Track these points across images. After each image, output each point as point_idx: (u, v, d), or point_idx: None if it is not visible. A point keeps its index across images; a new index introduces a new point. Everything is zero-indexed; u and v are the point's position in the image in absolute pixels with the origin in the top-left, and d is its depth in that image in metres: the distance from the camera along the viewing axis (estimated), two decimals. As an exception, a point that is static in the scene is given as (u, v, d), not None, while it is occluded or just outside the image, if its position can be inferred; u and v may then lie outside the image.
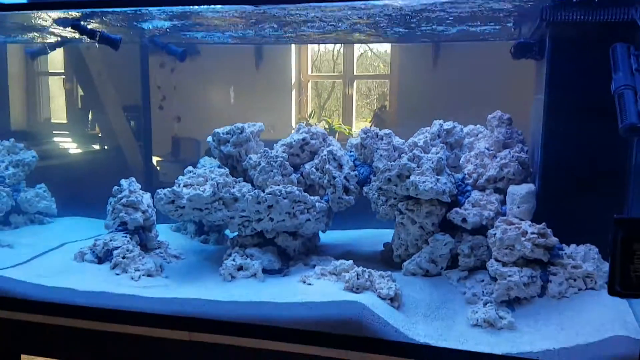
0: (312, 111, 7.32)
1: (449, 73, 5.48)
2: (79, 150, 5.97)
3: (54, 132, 6.75)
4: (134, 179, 2.21)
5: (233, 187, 2.03)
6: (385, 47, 7.12)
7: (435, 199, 1.85)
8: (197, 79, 5.99)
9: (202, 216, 2.02)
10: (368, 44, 7.20)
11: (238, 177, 2.12)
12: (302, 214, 1.93)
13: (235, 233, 2.09)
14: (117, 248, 2.02)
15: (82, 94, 6.43)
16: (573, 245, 1.72)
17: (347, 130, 5.82)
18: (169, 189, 1.99)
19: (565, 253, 1.70)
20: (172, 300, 1.76)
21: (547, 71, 1.76)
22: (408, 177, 1.85)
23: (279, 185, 1.97)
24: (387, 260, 2.09)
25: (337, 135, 5.74)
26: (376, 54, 7.68)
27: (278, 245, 2.03)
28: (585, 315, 1.58)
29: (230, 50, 5.61)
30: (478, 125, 2.13)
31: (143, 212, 2.13)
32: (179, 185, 2.03)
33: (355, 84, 7.06)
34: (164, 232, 2.42)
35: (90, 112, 6.38)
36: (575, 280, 1.66)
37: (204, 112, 6.10)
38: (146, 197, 2.18)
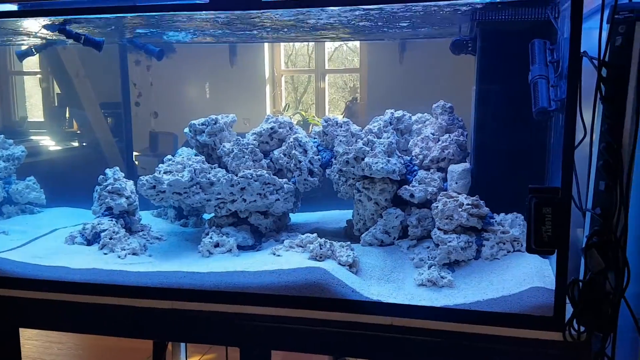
0: (286, 104, 7.53)
1: (414, 67, 5.76)
2: (58, 148, 6.09)
3: (31, 130, 6.85)
4: (117, 168, 2.42)
5: (209, 173, 2.27)
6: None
7: (387, 177, 2.11)
8: (173, 76, 6.15)
9: (181, 200, 2.25)
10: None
11: (213, 164, 2.35)
12: (271, 195, 2.18)
13: (212, 214, 2.33)
14: (104, 230, 2.23)
15: (59, 92, 6.54)
16: (502, 214, 2.01)
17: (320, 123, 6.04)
18: (150, 175, 2.21)
19: (496, 221, 1.98)
20: (156, 273, 1.98)
21: (477, 65, 2.03)
22: (363, 159, 2.11)
23: (250, 169, 2.21)
24: (349, 234, 2.34)
25: (310, 127, 5.97)
26: (351, 48, 7.92)
27: (251, 223, 2.27)
28: (511, 272, 1.85)
29: (204, 48, 5.78)
30: (425, 114, 2.40)
31: (127, 198, 2.36)
32: (159, 172, 2.26)
33: (327, 78, 7.30)
34: (146, 218, 2.64)
35: (67, 110, 6.50)
36: (504, 243, 1.94)
37: (181, 107, 6.28)
38: (129, 184, 2.40)
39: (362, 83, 6.98)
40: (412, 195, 2.10)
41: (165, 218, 2.73)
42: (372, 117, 2.37)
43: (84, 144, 5.62)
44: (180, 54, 5.17)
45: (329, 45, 7.28)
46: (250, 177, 2.15)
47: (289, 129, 2.38)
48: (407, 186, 2.12)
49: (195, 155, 2.39)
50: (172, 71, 5.96)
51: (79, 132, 6.02)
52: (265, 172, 2.18)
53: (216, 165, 2.34)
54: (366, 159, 2.09)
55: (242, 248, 2.19)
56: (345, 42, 7.46)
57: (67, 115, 6.43)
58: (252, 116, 6.37)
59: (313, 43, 7.01)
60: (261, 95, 7.05)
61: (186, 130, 2.44)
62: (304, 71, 7.82)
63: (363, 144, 2.12)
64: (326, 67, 7.19)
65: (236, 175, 2.19)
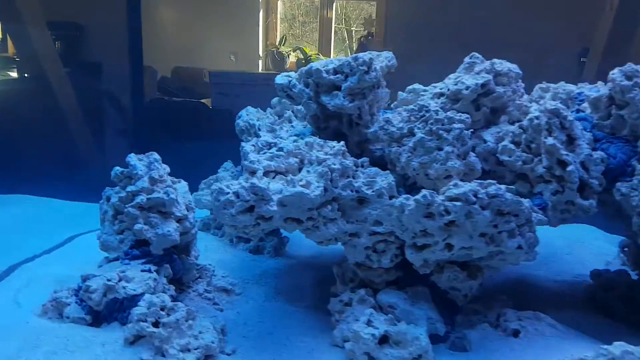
0: (283, 36, 6.31)
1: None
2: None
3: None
4: (155, 154, 1.15)
5: (355, 177, 1.07)
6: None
7: None
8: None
9: (300, 231, 1.05)
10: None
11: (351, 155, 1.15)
12: (510, 237, 1.01)
13: (355, 260, 1.15)
14: (136, 298, 1.00)
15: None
16: None
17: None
18: (243, 181, 0.99)
19: None
20: None
21: None
22: None
23: (458, 177, 1.03)
24: None
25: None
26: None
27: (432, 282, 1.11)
28: None
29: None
30: None
31: (179, 220, 1.10)
32: (257, 172, 1.03)
33: (335, 6, 6.08)
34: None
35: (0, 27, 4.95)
36: None
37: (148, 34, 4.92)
38: (181, 188, 1.14)
39: (379, 15, 5.84)
40: None
41: (214, 233, 1.51)
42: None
43: (26, 75, 4.16)
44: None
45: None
46: (475, 199, 0.97)
47: (514, 89, 1.18)
48: None
49: (312, 135, 1.17)
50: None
51: (17, 58, 4.51)
52: (503, 187, 1.00)
53: (367, 160, 1.14)
54: None
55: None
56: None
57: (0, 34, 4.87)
58: (240, 50, 5.23)
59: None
60: (253, 22, 5.78)
61: (290, 81, 1.19)
62: (304, -5, 6.50)
63: None
64: (335, -8, 5.92)
65: (437, 193, 1.01)
